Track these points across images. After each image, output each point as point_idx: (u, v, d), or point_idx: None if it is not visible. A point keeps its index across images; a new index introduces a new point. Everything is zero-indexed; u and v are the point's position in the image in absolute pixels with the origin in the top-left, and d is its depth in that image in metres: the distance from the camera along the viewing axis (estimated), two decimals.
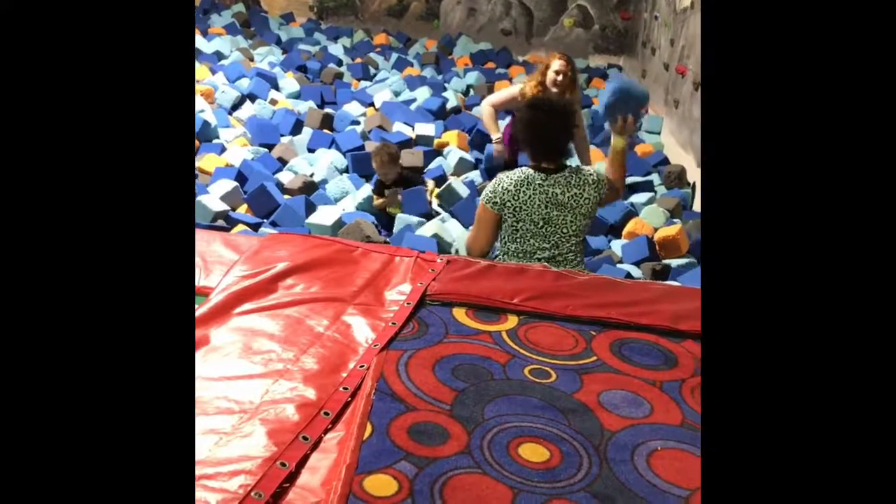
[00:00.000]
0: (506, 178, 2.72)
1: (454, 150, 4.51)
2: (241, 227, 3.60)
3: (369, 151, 4.41)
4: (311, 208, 3.84)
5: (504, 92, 4.17)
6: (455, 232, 3.61)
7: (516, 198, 2.67)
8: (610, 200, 2.82)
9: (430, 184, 4.08)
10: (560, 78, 3.79)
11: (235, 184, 3.97)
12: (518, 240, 2.72)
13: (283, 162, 4.45)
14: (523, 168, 2.72)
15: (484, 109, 4.13)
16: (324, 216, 3.70)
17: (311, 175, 4.28)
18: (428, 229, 3.56)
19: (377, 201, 3.94)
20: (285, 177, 4.24)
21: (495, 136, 4.07)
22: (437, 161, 4.51)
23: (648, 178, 4.69)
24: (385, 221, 3.84)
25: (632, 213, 3.96)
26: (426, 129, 4.86)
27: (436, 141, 4.73)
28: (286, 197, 3.98)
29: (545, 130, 2.69)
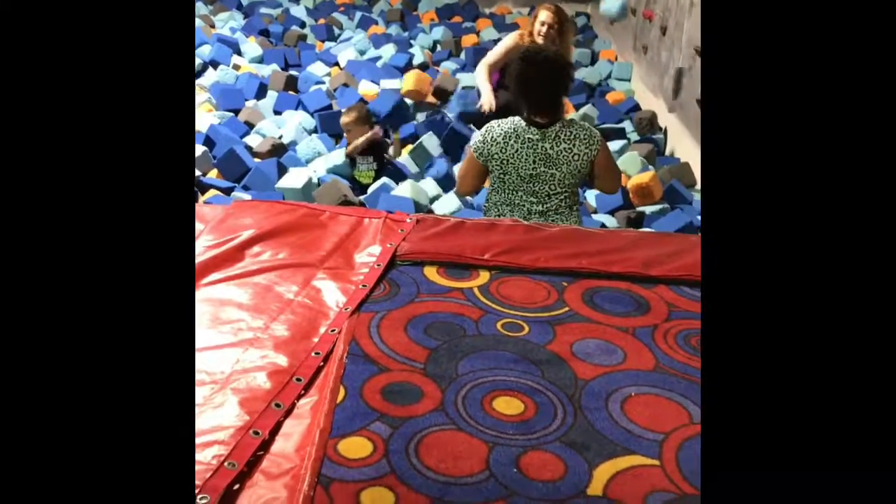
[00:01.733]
0: (496, 128, 2.68)
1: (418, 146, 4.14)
2: (213, 192, 3.55)
3: (338, 110, 4.35)
4: (282, 171, 3.80)
5: (498, 48, 3.99)
6: (432, 191, 3.58)
7: (504, 150, 2.64)
8: (606, 190, 2.80)
9: (396, 138, 4.02)
10: (544, 29, 3.68)
11: (204, 148, 3.91)
12: (504, 191, 2.71)
13: (250, 126, 4.38)
14: (515, 119, 2.68)
15: (479, 70, 3.94)
16: (294, 178, 3.66)
17: (280, 137, 4.22)
18: (403, 189, 3.53)
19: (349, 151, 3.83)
20: (253, 140, 4.18)
21: (487, 93, 3.79)
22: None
23: (620, 125, 4.67)
24: (357, 189, 3.80)
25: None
26: (391, 83, 4.80)
27: (405, 88, 4.66)
28: (256, 160, 3.93)
29: (538, 83, 2.64)
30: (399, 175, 3.79)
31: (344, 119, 3.90)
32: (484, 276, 1.67)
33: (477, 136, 2.74)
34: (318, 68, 5.22)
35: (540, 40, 3.68)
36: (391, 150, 3.90)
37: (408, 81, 4.61)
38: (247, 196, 3.39)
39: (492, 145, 2.66)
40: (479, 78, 3.89)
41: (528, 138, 2.62)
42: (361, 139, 3.82)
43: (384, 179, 3.69)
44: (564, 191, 2.69)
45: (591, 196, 3.67)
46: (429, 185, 3.63)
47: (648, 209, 3.36)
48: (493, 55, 3.91)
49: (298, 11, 6.76)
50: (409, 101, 4.52)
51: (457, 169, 3.64)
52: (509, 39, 3.89)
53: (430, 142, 3.97)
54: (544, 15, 3.73)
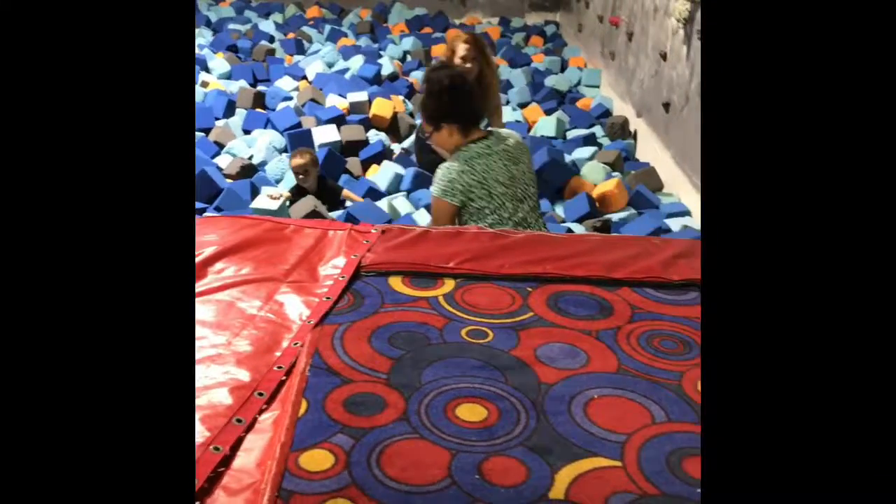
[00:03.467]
0: (453, 164, 2.58)
1: (385, 166, 4.01)
2: None
3: (307, 129, 4.33)
4: (254, 191, 3.78)
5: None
6: (404, 209, 3.56)
7: (475, 172, 2.57)
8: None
9: (352, 196, 3.77)
10: (469, 65, 3.44)
11: None
12: (493, 210, 2.59)
13: (220, 145, 4.36)
14: (460, 150, 2.61)
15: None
16: (269, 200, 3.64)
17: (250, 157, 4.20)
18: (382, 205, 3.51)
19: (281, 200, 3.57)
20: (223, 160, 4.16)
21: None
22: (374, 135, 4.45)
23: (591, 129, 4.70)
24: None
25: (573, 172, 3.96)
26: (359, 96, 4.79)
27: (371, 112, 4.65)
28: (228, 181, 3.91)
29: (466, 101, 2.60)
30: (374, 195, 3.75)
31: (299, 161, 3.68)
32: (449, 285, 1.68)
33: (439, 184, 2.59)
34: (285, 83, 5.20)
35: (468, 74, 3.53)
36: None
37: (374, 106, 4.59)
38: (216, 215, 3.37)
39: (462, 176, 2.56)
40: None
41: (486, 146, 2.60)
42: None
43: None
44: (534, 186, 2.71)
45: (559, 208, 3.68)
46: (400, 203, 3.62)
47: (615, 216, 3.38)
48: None
49: (267, 26, 6.76)
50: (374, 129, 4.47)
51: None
52: None
53: (402, 203, 3.81)
54: (462, 49, 3.46)
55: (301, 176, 3.66)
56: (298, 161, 3.67)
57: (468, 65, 3.44)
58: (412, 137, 4.17)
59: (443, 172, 2.61)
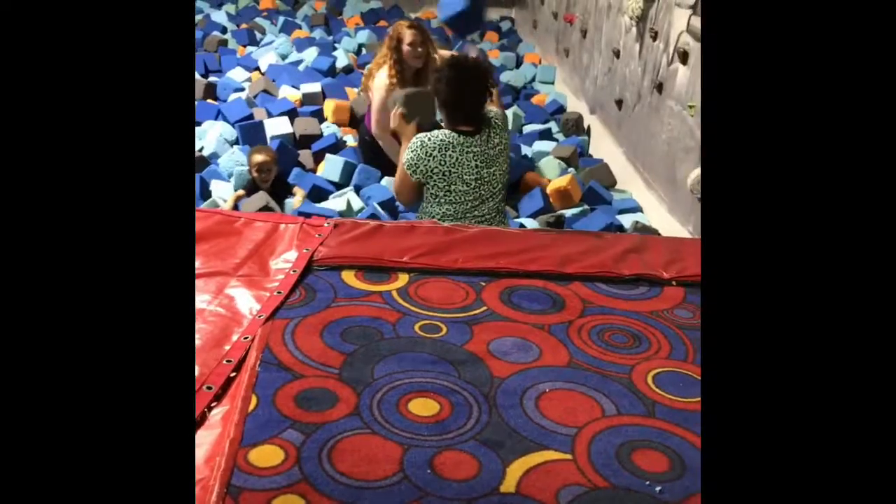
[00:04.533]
0: (428, 142, 2.65)
1: (331, 159, 3.89)
2: None
3: (259, 120, 4.26)
4: (204, 185, 3.71)
5: (377, 106, 3.67)
6: (357, 205, 3.53)
7: (443, 163, 2.64)
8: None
9: (299, 193, 3.67)
10: (420, 49, 3.53)
11: None
12: (447, 203, 2.68)
13: None
14: (443, 131, 2.68)
15: (386, 142, 3.68)
16: (224, 194, 3.58)
17: (201, 150, 4.12)
18: (334, 204, 3.47)
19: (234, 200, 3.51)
20: None
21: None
22: (327, 127, 4.41)
23: (547, 125, 4.73)
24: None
25: (528, 167, 3.98)
26: (312, 87, 4.73)
27: (328, 115, 4.60)
28: None
29: (465, 94, 2.66)
30: (323, 193, 3.70)
31: (264, 158, 3.59)
32: (403, 279, 1.67)
33: (408, 156, 2.68)
34: (237, 73, 5.12)
35: (414, 62, 3.55)
36: (294, 204, 3.62)
37: (328, 110, 4.53)
38: None
39: (428, 160, 2.64)
40: (390, 148, 3.63)
41: (464, 144, 2.64)
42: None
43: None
44: (503, 189, 2.75)
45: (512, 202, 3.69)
46: (353, 199, 3.58)
47: (568, 212, 3.41)
48: (379, 117, 3.62)
49: (219, 17, 6.64)
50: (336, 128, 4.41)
51: (387, 182, 3.61)
52: (380, 92, 3.61)
53: (356, 199, 3.79)
54: (409, 35, 3.54)
55: (262, 174, 3.58)
56: (263, 158, 3.59)
57: (419, 49, 3.51)
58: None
59: (416, 145, 2.69)
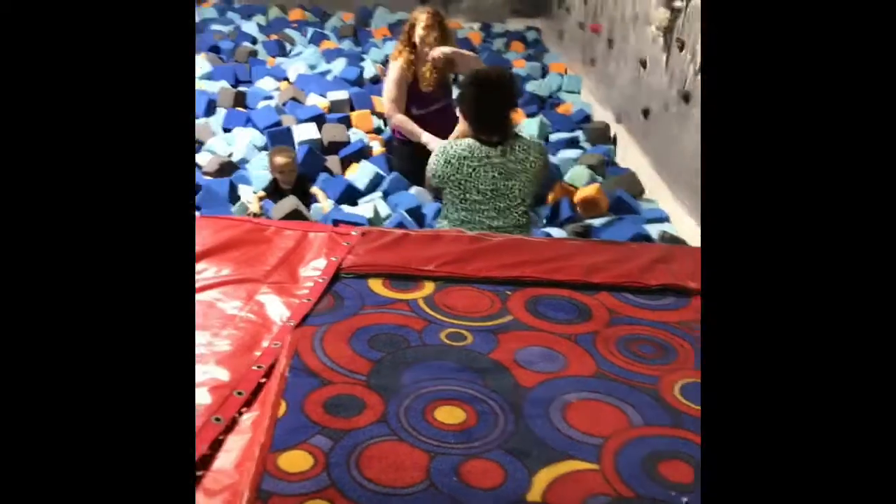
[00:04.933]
0: (450, 149, 2.72)
1: (364, 165, 3.94)
2: None
3: (287, 126, 4.32)
4: (233, 189, 3.76)
5: (390, 83, 3.74)
6: (384, 212, 3.55)
7: (459, 171, 2.69)
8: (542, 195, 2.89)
9: (321, 196, 3.69)
10: (428, 34, 3.60)
11: None
12: (463, 210, 2.72)
13: (199, 143, 4.33)
14: (468, 140, 2.73)
15: (397, 119, 3.74)
16: (248, 205, 3.63)
17: (230, 155, 4.18)
18: (363, 210, 3.50)
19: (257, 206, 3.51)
20: (202, 158, 4.13)
21: (423, 138, 3.60)
22: (355, 133, 4.45)
23: (573, 134, 4.73)
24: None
25: (555, 178, 3.97)
26: (340, 94, 4.78)
27: (352, 116, 4.64)
28: (206, 178, 3.88)
29: (492, 106, 2.71)
30: (352, 193, 3.74)
31: (285, 159, 3.62)
32: (429, 287, 1.68)
33: (431, 162, 2.78)
34: (267, 83, 5.18)
35: (426, 49, 3.61)
36: (321, 209, 3.64)
37: (354, 118, 4.57)
38: (196, 215, 3.34)
39: (446, 167, 2.70)
40: (405, 126, 3.68)
41: (486, 155, 2.67)
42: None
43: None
44: (523, 202, 2.75)
45: (542, 213, 3.69)
46: (381, 206, 3.61)
47: (596, 221, 3.40)
48: (390, 93, 3.71)
49: (250, 28, 6.72)
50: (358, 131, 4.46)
51: (415, 191, 3.67)
52: (394, 71, 3.69)
53: (382, 205, 3.83)
54: (423, 19, 3.62)
55: (284, 175, 3.63)
56: (284, 160, 3.63)
57: (432, 33, 3.58)
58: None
59: (439, 150, 2.77)
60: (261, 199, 3.58)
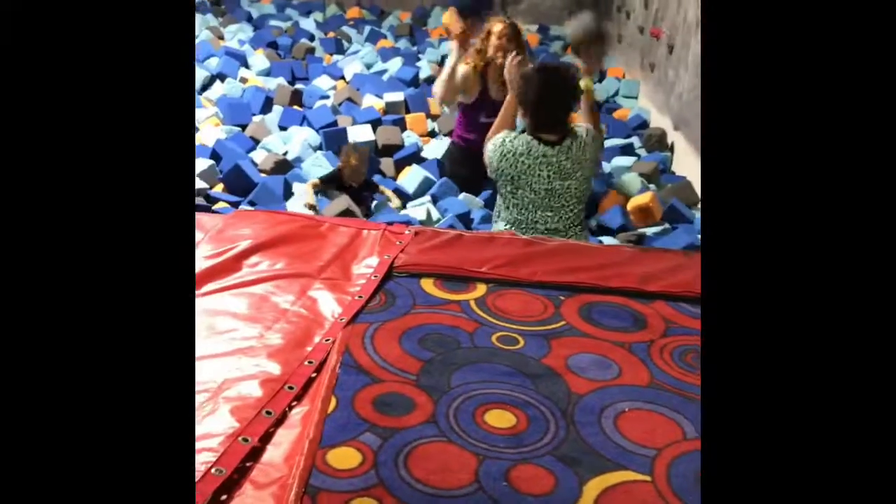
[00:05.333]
0: (507, 144, 2.68)
1: (415, 169, 3.94)
2: (222, 204, 3.58)
3: (342, 127, 4.35)
4: (288, 187, 3.80)
5: (447, 71, 3.62)
6: (434, 215, 3.55)
7: (515, 167, 2.64)
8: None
9: (390, 193, 3.74)
10: (502, 42, 3.54)
11: (211, 162, 3.92)
12: (517, 209, 2.69)
13: (256, 141, 4.39)
14: (526, 136, 2.69)
15: (448, 104, 3.76)
16: (305, 196, 3.67)
17: (285, 153, 4.23)
18: (415, 213, 3.51)
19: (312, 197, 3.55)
20: (258, 156, 4.19)
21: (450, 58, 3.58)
22: (409, 136, 4.45)
23: (629, 140, 4.67)
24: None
25: (608, 185, 3.92)
26: (395, 96, 4.80)
27: (406, 119, 4.65)
28: (262, 175, 3.93)
29: (550, 103, 2.66)
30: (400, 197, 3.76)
31: (355, 163, 3.66)
32: (481, 289, 1.67)
33: (489, 147, 2.74)
34: (323, 81, 5.23)
35: (496, 53, 3.54)
36: (392, 207, 3.62)
37: (409, 121, 4.59)
38: (252, 209, 3.39)
39: (501, 160, 2.66)
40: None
41: (543, 154, 2.63)
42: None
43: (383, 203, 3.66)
44: (579, 203, 2.71)
45: (594, 221, 3.65)
46: (432, 209, 3.61)
47: (649, 230, 3.34)
48: (445, 78, 3.61)
49: (308, 24, 6.80)
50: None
51: (464, 198, 3.66)
52: (462, 67, 3.61)
53: (423, 173, 3.87)
54: (499, 27, 3.59)
55: (354, 174, 3.67)
56: (358, 165, 3.66)
57: (506, 42, 3.52)
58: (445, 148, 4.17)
59: (497, 142, 2.72)
60: (315, 187, 3.63)
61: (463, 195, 3.69)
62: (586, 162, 2.69)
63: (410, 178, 3.86)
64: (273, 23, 6.82)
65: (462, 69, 3.65)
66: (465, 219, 3.44)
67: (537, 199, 2.66)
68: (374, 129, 4.38)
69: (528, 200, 2.67)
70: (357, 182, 3.68)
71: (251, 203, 3.64)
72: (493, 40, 3.59)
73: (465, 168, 3.77)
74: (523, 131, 2.74)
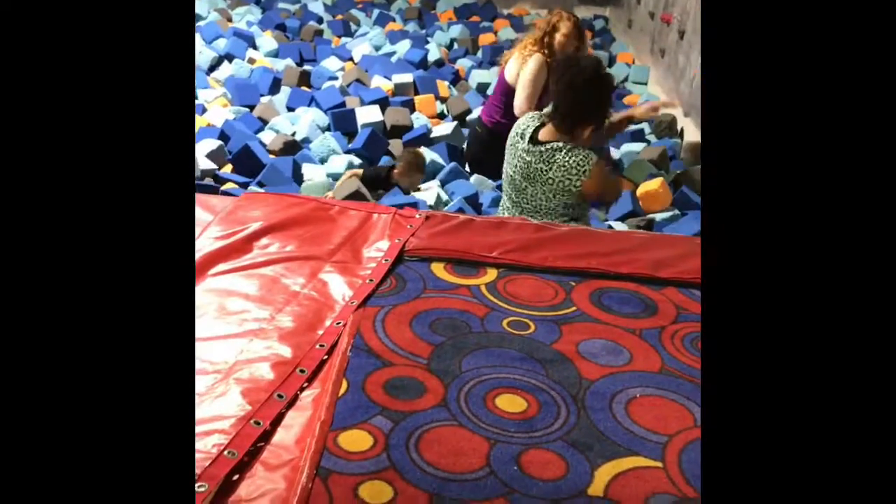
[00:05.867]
0: (522, 120, 2.65)
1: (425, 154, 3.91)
2: (230, 185, 3.58)
3: (351, 108, 4.34)
4: (297, 168, 3.80)
5: (527, 79, 3.56)
6: (443, 196, 3.55)
7: (510, 142, 2.63)
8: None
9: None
10: (566, 41, 3.54)
11: (220, 142, 3.93)
12: (504, 184, 2.70)
13: (264, 122, 4.39)
14: (533, 120, 2.60)
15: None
16: (315, 175, 3.67)
17: (293, 134, 4.22)
18: (425, 196, 3.50)
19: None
20: (267, 136, 4.19)
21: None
22: (417, 117, 4.44)
23: (639, 126, 4.65)
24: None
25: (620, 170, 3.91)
26: (404, 77, 4.79)
27: (415, 100, 4.63)
28: (271, 157, 3.93)
29: (569, 99, 2.49)
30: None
31: (398, 173, 3.66)
32: (492, 274, 1.67)
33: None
34: (331, 63, 5.22)
35: (563, 55, 3.53)
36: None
37: (418, 102, 4.54)
38: (261, 192, 3.39)
39: (510, 135, 2.66)
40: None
41: (524, 146, 2.54)
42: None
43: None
44: (535, 211, 2.55)
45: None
46: (441, 192, 3.61)
47: (659, 216, 3.33)
48: (528, 91, 3.56)
49: (316, 7, 6.77)
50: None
51: (474, 180, 3.65)
52: (535, 65, 3.58)
53: (430, 156, 3.87)
54: (565, 26, 3.57)
55: (409, 179, 3.59)
56: (418, 172, 3.60)
57: (567, 39, 3.53)
58: (466, 130, 4.16)
59: (525, 117, 2.70)
60: (356, 175, 3.60)
61: (475, 177, 3.68)
62: (552, 182, 2.50)
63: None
64: (281, 5, 6.80)
65: (536, 63, 3.56)
66: (473, 201, 3.44)
67: (506, 183, 2.67)
68: (383, 110, 4.37)
69: (505, 179, 2.69)
70: (411, 188, 3.62)
71: (260, 184, 3.64)
72: (559, 37, 3.57)
73: (483, 150, 3.76)
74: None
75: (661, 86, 5.30)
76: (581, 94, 2.47)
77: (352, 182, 3.41)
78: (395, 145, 4.11)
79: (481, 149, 3.83)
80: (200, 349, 1.32)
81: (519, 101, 3.60)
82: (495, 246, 1.75)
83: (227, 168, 3.89)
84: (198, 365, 1.28)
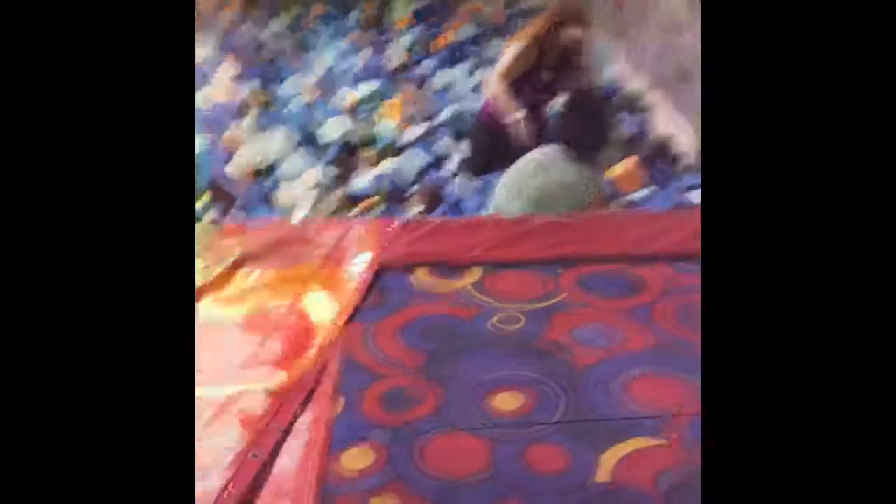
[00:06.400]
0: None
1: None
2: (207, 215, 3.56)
3: (319, 123, 4.32)
4: (270, 190, 3.77)
5: (511, 55, 3.21)
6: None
7: None
8: None
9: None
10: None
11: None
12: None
13: (231, 149, 4.36)
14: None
15: (496, 89, 3.21)
16: (290, 194, 3.64)
17: (260, 160, 4.20)
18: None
19: None
20: (238, 162, 4.16)
21: (507, 118, 3.10)
22: (385, 126, 4.42)
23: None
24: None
25: None
26: (369, 86, 4.78)
27: (380, 112, 4.61)
28: (244, 181, 3.90)
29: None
30: None
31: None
32: (475, 273, 1.66)
33: None
34: (294, 81, 5.20)
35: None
36: None
37: (384, 107, 4.51)
38: (237, 221, 3.34)
39: None
40: (500, 99, 3.11)
41: None
42: None
43: None
44: None
45: None
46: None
47: (636, 195, 3.32)
48: (507, 63, 3.19)
49: (274, 26, 6.75)
50: None
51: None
52: (518, 47, 3.34)
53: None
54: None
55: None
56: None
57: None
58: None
59: None
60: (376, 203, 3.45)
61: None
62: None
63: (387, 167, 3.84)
64: (242, 27, 6.76)
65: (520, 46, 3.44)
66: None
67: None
68: (351, 121, 4.36)
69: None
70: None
71: (241, 208, 3.61)
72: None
73: (494, 150, 3.70)
74: None
75: (626, 63, 5.31)
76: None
77: (331, 200, 3.39)
78: (367, 155, 4.10)
79: (490, 145, 3.76)
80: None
81: (494, 74, 3.47)
82: (475, 245, 1.74)
83: (205, 197, 3.85)
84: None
